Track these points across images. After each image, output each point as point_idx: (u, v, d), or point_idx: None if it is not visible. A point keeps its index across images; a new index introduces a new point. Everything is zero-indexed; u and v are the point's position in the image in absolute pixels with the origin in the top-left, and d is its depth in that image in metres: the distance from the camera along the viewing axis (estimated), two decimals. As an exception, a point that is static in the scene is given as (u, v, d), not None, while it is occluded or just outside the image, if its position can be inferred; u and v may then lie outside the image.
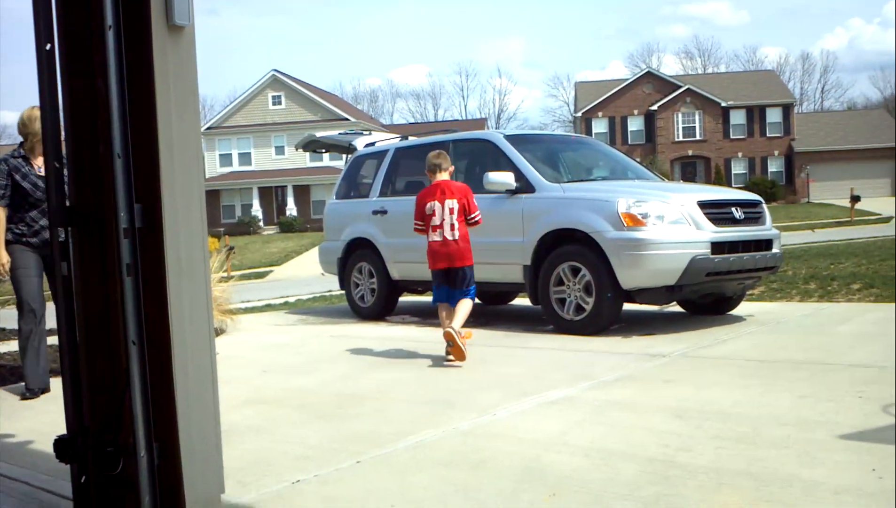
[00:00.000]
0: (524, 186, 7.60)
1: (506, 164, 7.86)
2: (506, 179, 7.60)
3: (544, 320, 7.53)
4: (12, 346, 7.81)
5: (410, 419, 4.41)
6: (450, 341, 6.04)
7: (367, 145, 10.05)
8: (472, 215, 6.36)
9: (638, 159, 11.13)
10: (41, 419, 4.82)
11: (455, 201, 6.30)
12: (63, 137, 2.84)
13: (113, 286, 2.73)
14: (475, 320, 8.40)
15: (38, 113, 5.19)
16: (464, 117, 73.87)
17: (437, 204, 6.32)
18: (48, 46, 2.77)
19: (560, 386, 4.98)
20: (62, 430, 2.92)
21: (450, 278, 6.41)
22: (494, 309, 9.63)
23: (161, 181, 2.67)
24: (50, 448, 3.00)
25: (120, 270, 2.60)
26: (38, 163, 5.48)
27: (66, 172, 2.82)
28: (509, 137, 8.30)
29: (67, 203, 2.80)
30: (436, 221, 6.32)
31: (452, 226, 6.28)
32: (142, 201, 2.66)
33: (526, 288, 7.62)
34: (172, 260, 2.70)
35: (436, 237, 6.35)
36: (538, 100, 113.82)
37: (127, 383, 2.62)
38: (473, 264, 6.41)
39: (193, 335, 2.78)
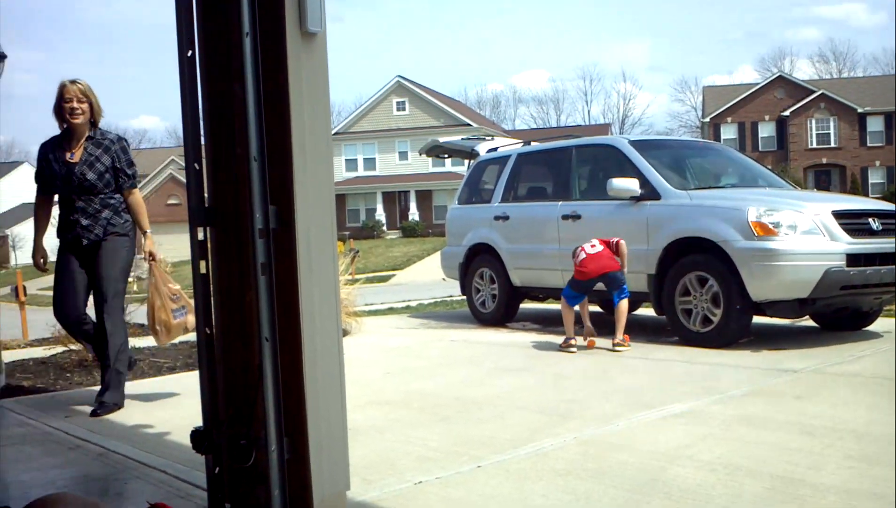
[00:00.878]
0: (649, 192, 7.45)
1: (630, 170, 7.73)
2: (630, 185, 7.47)
3: (669, 330, 7.36)
4: (151, 341, 8.21)
5: (530, 426, 4.38)
6: None
7: (489, 151, 10.08)
8: None
9: (769, 167, 10.74)
10: (178, 412, 5.03)
11: None
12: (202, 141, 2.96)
13: (247, 285, 2.82)
14: (597, 329, 8.29)
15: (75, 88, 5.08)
16: (587, 123, 73.06)
17: None
18: (189, 53, 2.89)
19: (684, 399, 4.85)
20: (197, 422, 3.05)
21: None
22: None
23: (294, 183, 2.75)
24: (185, 440, 3.14)
25: (255, 269, 2.69)
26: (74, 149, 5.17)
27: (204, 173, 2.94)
28: (634, 143, 8.15)
29: (206, 204, 2.92)
30: None
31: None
32: (276, 203, 2.74)
33: (650, 297, 7.47)
34: (304, 260, 2.77)
35: None
36: (664, 105, 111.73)
37: (259, 378, 2.70)
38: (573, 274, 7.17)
39: (323, 334, 2.85)
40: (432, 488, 3.37)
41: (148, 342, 8.09)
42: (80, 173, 5.08)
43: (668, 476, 3.38)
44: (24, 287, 12.93)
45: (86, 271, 5.24)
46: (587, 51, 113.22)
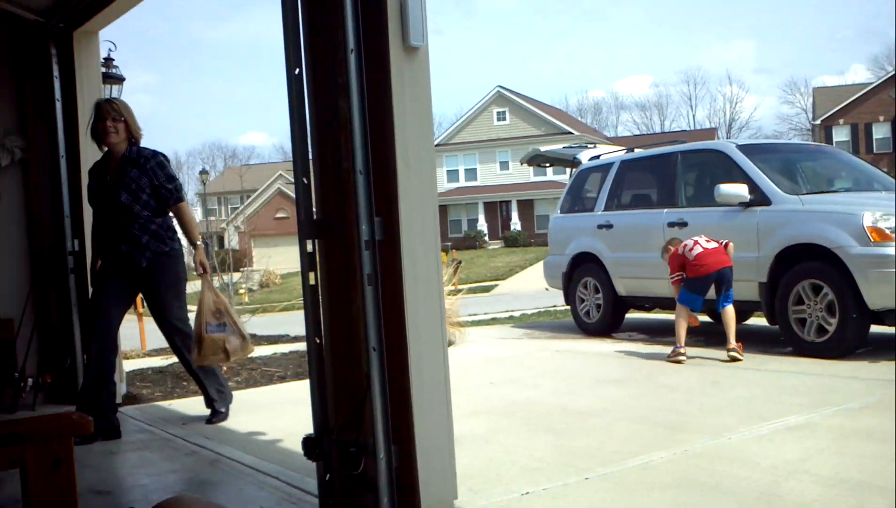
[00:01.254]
0: (759, 198, 7.25)
1: (738, 175, 7.53)
2: (739, 191, 7.28)
3: (782, 340, 7.12)
4: (265, 351, 8.45)
5: (638, 438, 4.31)
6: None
7: (591, 159, 9.98)
8: None
9: (884, 169, 10.30)
10: (289, 420, 5.15)
11: None
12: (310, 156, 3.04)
13: (354, 295, 2.88)
14: (706, 338, 8.11)
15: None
16: (692, 127, 71.46)
17: None
18: (297, 71, 2.98)
19: (799, 411, 4.69)
20: (308, 429, 3.12)
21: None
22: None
23: (399, 195, 2.79)
24: (297, 446, 3.22)
25: (361, 279, 2.75)
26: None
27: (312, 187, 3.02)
28: (742, 147, 7.94)
29: (315, 217, 2.99)
30: None
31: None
32: (381, 214, 2.79)
33: (762, 307, 7.25)
34: (409, 270, 2.81)
35: None
36: (772, 107, 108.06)
37: (367, 387, 2.75)
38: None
39: (428, 344, 2.88)
40: (539, 499, 3.36)
41: (261, 352, 8.33)
42: (117, 196, 4.84)
43: (782, 491, 3.27)
44: (142, 300, 13.47)
45: (128, 292, 5.07)
46: (691, 54, 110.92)
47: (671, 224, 8.05)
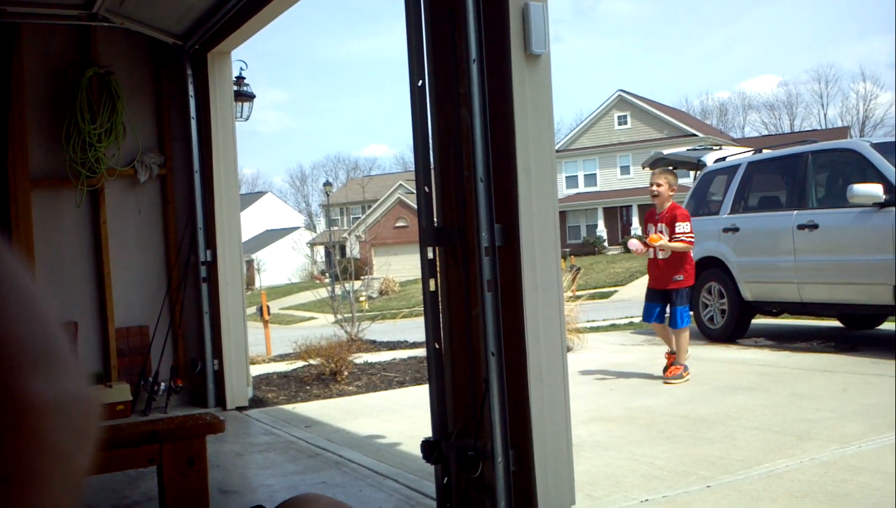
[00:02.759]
0: (894, 198, 6.92)
1: (873, 174, 7.21)
2: (873, 190, 6.97)
3: (920, 347, 6.78)
4: (384, 356, 8.62)
5: (762, 446, 4.19)
6: None
7: (717, 161, 9.74)
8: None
9: None
10: (408, 424, 5.25)
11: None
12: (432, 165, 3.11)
13: (474, 301, 2.93)
14: (836, 344, 7.79)
15: None
16: (823, 126, 68.54)
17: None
18: (420, 83, 3.06)
19: (939, 422, 4.46)
20: (426, 434, 3.18)
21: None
22: (859, 334, 8.83)
23: (519, 202, 2.82)
24: (416, 450, 3.29)
25: (481, 285, 2.79)
26: None
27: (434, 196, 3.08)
28: (877, 145, 7.59)
29: (436, 225, 3.06)
30: None
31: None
32: (501, 221, 2.83)
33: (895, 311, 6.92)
34: (528, 277, 2.84)
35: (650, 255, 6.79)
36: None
37: (486, 392, 2.79)
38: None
39: (547, 349, 2.90)
40: (659, 507, 3.32)
41: (380, 357, 8.50)
42: None
43: (920, 506, 3.13)
44: (268, 307, 13.95)
45: None
46: (821, 51, 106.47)
47: (801, 226, 7.78)
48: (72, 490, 0.37)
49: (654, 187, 6.69)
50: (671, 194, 6.69)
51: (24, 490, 0.34)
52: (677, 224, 6.57)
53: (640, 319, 11.38)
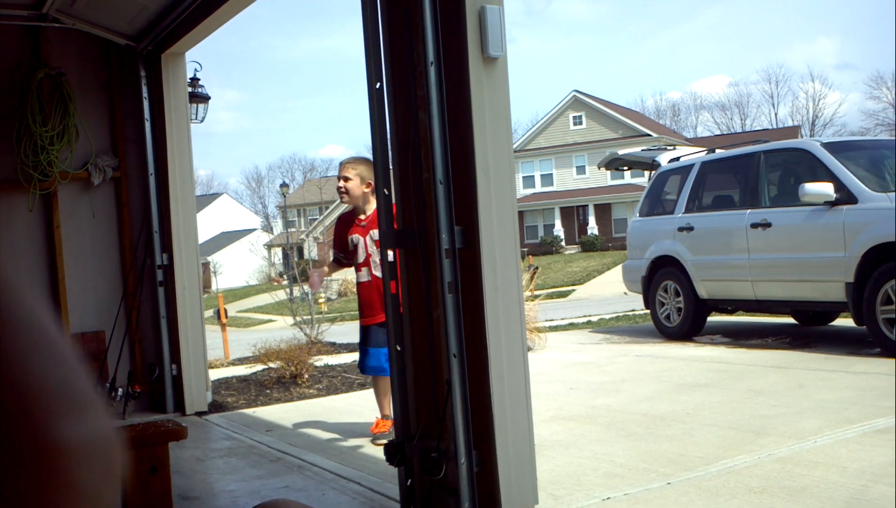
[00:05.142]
0: (845, 196, 7.06)
1: (824, 173, 7.35)
2: (824, 189, 7.12)
3: (870, 342, 6.93)
4: (345, 358, 8.59)
5: (721, 443, 4.26)
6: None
7: (671, 161, 9.86)
8: None
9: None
10: (369, 426, 5.23)
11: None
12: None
13: (435, 302, 2.93)
14: (791, 340, 7.93)
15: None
16: (774, 126, 69.72)
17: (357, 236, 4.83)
18: (377, 85, 3.06)
19: (889, 414, 4.56)
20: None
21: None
22: (813, 330, 9.01)
23: (478, 204, 2.83)
24: (378, 452, 3.28)
25: (442, 287, 2.80)
26: None
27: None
28: (827, 145, 7.75)
29: (396, 227, 3.05)
30: (360, 257, 4.81)
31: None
32: (461, 223, 2.84)
33: (848, 307, 7.06)
34: (489, 278, 2.85)
35: (363, 278, 4.82)
36: (856, 103, 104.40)
37: (448, 393, 2.79)
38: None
39: (508, 350, 2.91)
40: (621, 505, 3.35)
41: (341, 359, 8.47)
42: None
43: (872, 495, 3.20)
44: (226, 310, 13.82)
45: None
46: (771, 52, 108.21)
47: (754, 225, 7.91)
48: None
49: (342, 183, 4.78)
50: (367, 190, 4.72)
51: None
52: None
53: (598, 318, 11.45)
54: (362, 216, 4.80)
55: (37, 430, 0.35)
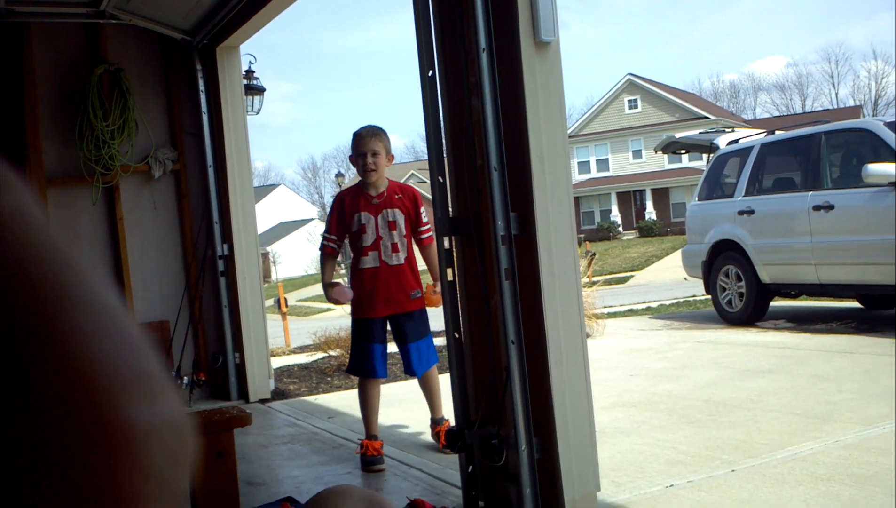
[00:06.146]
0: (910, 177, 6.86)
1: (887, 154, 7.15)
2: (888, 170, 6.92)
3: (941, 326, 6.74)
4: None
5: (786, 429, 4.18)
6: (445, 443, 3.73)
7: (729, 143, 9.68)
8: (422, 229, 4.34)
9: None
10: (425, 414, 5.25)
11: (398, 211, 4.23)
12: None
13: (492, 289, 2.92)
14: (856, 325, 7.74)
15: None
16: (835, 106, 68.03)
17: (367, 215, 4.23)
18: (430, 73, 3.05)
19: (965, 400, 4.43)
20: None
21: (397, 331, 4.40)
22: (879, 314, 8.78)
23: (533, 190, 2.81)
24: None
25: (498, 274, 2.78)
26: None
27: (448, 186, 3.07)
28: (890, 124, 7.53)
29: (451, 214, 3.05)
30: (367, 239, 4.22)
31: (395, 247, 4.21)
32: (517, 210, 2.82)
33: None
34: (545, 264, 2.83)
35: (369, 263, 4.23)
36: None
37: (507, 380, 2.79)
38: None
39: (566, 336, 2.89)
40: (684, 492, 3.31)
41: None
42: None
43: (947, 485, 3.11)
44: (286, 299, 14.00)
45: None
46: (829, 30, 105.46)
47: (817, 207, 7.74)
48: None
49: (370, 160, 4.16)
50: (388, 164, 4.32)
51: None
52: (423, 212, 4.39)
53: (658, 304, 11.28)
54: (374, 193, 4.22)
55: (106, 412, 0.35)
